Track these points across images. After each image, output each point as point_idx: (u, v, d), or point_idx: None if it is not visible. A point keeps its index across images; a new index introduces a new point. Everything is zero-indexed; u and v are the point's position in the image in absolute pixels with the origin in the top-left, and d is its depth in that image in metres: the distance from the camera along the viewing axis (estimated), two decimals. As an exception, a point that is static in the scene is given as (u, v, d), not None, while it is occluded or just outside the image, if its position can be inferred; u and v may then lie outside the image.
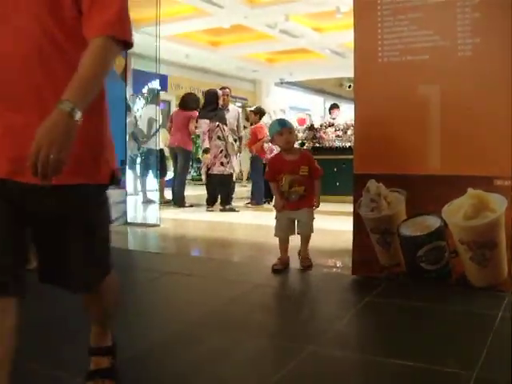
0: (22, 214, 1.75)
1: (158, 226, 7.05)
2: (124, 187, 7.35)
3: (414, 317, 3.26)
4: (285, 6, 11.18)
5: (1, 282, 1.71)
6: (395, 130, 3.98)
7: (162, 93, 14.54)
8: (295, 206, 4.40)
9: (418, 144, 3.89)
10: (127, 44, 1.74)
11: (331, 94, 24.26)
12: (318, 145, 10.07)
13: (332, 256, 4.97)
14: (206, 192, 9.19)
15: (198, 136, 9.84)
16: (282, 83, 20.78)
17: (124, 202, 7.29)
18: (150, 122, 10.00)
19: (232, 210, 8.72)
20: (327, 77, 19.89)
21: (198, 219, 8.07)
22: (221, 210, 8.63)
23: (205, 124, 8.78)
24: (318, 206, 4.48)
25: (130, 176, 8.07)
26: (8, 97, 1.67)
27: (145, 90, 14.19)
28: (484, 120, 3.70)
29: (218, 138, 8.77)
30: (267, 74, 19.17)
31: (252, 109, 10.59)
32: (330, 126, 10.50)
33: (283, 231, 4.46)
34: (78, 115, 1.54)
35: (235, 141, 9.20)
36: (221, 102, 9.06)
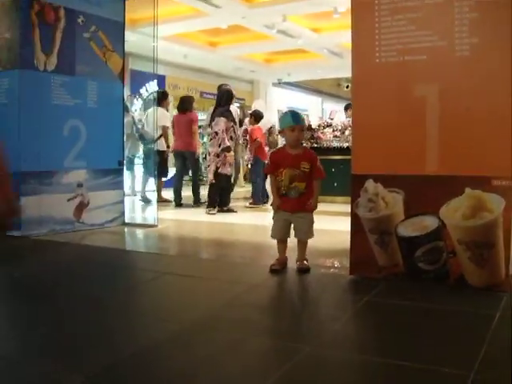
0: None
1: (156, 226, 7.04)
2: (121, 188, 7.34)
3: (412, 317, 3.26)
4: (282, 6, 11.18)
5: None
6: (393, 131, 3.98)
7: (159, 93, 14.56)
8: (293, 207, 4.27)
9: (415, 144, 3.89)
10: None
11: (329, 95, 24.29)
12: (315, 145, 10.05)
13: (330, 256, 4.96)
14: (205, 193, 9.16)
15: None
16: (279, 83, 20.80)
17: (122, 202, 7.28)
18: (160, 119, 10.14)
19: (231, 210, 8.70)
20: (325, 77, 19.92)
21: (196, 220, 8.06)
22: (219, 211, 8.61)
23: (223, 122, 8.58)
24: (315, 209, 4.35)
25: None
26: None
27: (143, 91, 14.23)
28: (482, 120, 3.70)
29: (231, 138, 8.67)
30: (265, 74, 19.18)
31: (250, 111, 10.68)
32: (327, 126, 10.49)
33: (279, 233, 4.39)
34: None
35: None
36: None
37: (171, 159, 10.75)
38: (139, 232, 6.88)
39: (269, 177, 4.60)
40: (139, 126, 10.98)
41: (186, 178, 10.80)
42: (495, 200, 3.62)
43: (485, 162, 3.68)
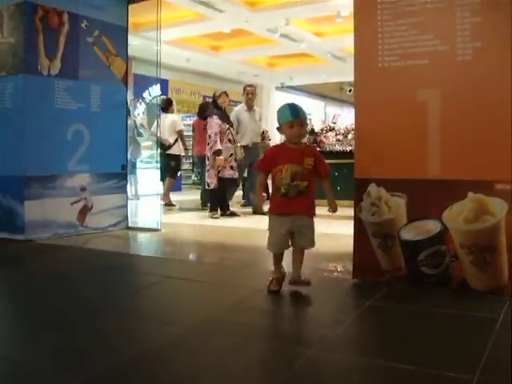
0: None
1: (159, 230, 7.05)
2: (125, 192, 7.35)
3: (414, 321, 3.26)
4: (285, 10, 11.22)
5: None
6: (395, 135, 3.99)
7: (162, 97, 14.65)
8: (292, 208, 3.71)
9: (418, 148, 3.89)
10: None
11: (332, 98, 24.33)
12: (318, 149, 10.06)
13: (333, 260, 4.97)
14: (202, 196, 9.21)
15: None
16: (282, 87, 20.83)
17: (125, 206, 7.29)
18: (172, 127, 10.51)
19: (234, 214, 8.68)
20: (328, 81, 19.95)
21: (199, 224, 8.06)
22: (222, 215, 8.61)
23: (216, 125, 8.42)
24: (335, 210, 3.98)
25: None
26: None
27: (146, 95, 14.28)
28: (484, 124, 3.70)
29: (229, 140, 8.53)
30: (268, 78, 19.23)
31: None
32: (330, 130, 10.51)
33: (279, 244, 3.77)
34: None
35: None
36: (220, 102, 8.66)
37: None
38: (142, 236, 6.89)
39: (259, 175, 3.95)
40: (141, 130, 11.09)
41: (189, 181, 10.89)
42: (498, 204, 3.63)
43: (487, 166, 3.68)
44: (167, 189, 10.57)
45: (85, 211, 6.72)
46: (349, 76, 4.29)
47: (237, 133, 8.99)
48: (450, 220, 3.77)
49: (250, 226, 7.55)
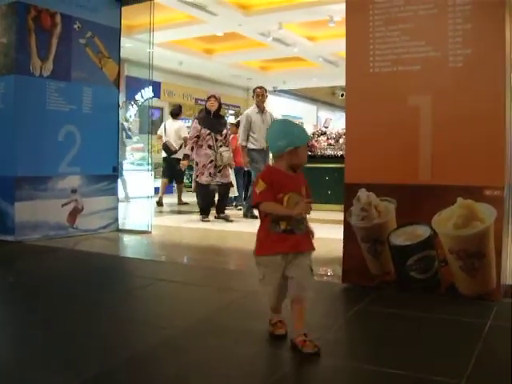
0: None
1: (150, 232, 7.05)
2: (116, 194, 7.34)
3: (403, 326, 3.27)
4: (278, 14, 11.23)
5: None
6: (386, 140, 4.00)
7: (154, 99, 14.65)
8: (301, 245, 2.89)
9: (408, 154, 3.91)
10: None
11: (324, 103, 24.37)
12: (310, 153, 10.08)
13: (322, 264, 4.97)
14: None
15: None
16: (275, 91, 20.82)
17: (116, 208, 7.29)
18: (178, 133, 10.86)
19: (225, 218, 8.64)
20: (320, 85, 19.98)
21: (189, 227, 8.06)
22: (215, 218, 8.59)
23: (194, 129, 8.42)
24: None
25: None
26: None
27: (138, 97, 14.27)
28: (474, 131, 3.72)
29: (209, 146, 8.37)
30: (260, 81, 19.18)
31: (233, 122, 10.74)
32: (322, 134, 10.53)
33: (280, 296, 2.93)
34: None
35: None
36: (208, 105, 8.57)
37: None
38: (133, 238, 6.88)
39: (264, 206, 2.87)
40: (129, 133, 11.20)
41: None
42: (487, 210, 3.65)
43: (477, 172, 3.71)
44: (180, 193, 11.38)
45: (75, 213, 6.71)
46: (341, 80, 4.30)
47: (248, 136, 8.72)
48: (439, 225, 3.79)
49: (242, 230, 7.54)
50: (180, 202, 11.22)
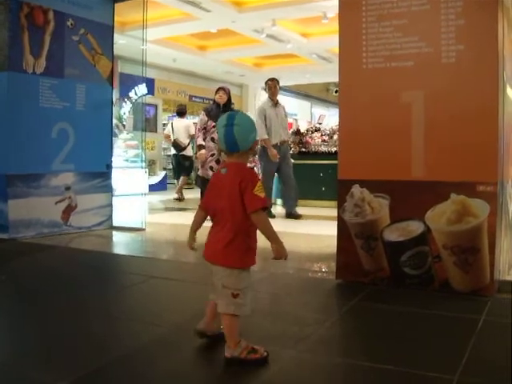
0: None
1: (144, 230, 7.04)
2: (109, 191, 7.33)
3: (397, 321, 3.28)
4: (272, 10, 11.23)
5: None
6: (379, 136, 4.01)
7: (148, 96, 14.62)
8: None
9: (401, 150, 3.92)
10: None
11: (318, 99, 24.38)
12: (304, 149, 10.09)
13: (316, 260, 4.98)
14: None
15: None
16: (269, 88, 20.79)
17: (109, 205, 7.27)
18: (187, 130, 11.27)
19: None
20: (314, 82, 19.99)
21: (183, 223, 8.01)
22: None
23: (201, 121, 8.03)
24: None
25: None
26: None
27: (132, 94, 14.24)
28: (467, 126, 3.73)
29: (212, 139, 7.93)
30: (254, 78, 19.22)
31: None
32: (316, 130, 10.53)
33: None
34: None
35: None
36: (217, 98, 8.04)
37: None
38: (127, 235, 6.87)
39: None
40: (116, 131, 11.29)
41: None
42: (480, 205, 3.66)
43: (470, 168, 3.72)
44: (181, 185, 11.50)
45: (69, 210, 6.70)
46: (335, 77, 4.29)
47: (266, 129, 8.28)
48: (432, 221, 3.80)
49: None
50: (178, 195, 11.27)
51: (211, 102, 8.63)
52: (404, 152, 3.90)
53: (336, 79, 4.32)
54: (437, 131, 3.81)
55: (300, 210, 8.15)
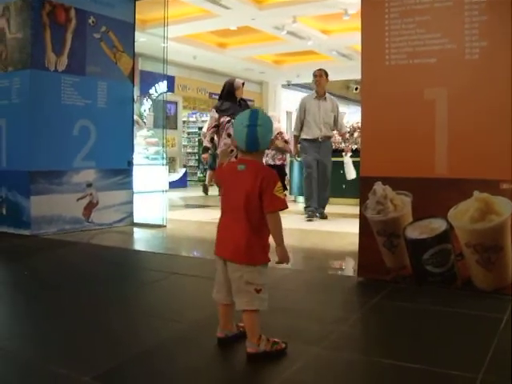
0: None
1: (165, 226, 7.06)
2: (131, 188, 7.36)
3: (419, 319, 3.26)
4: (292, 7, 11.20)
5: None
6: (402, 133, 3.98)
7: (168, 94, 14.68)
8: None
9: (424, 147, 3.89)
10: None
11: (338, 97, 24.26)
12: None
13: (338, 258, 4.97)
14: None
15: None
16: (288, 85, 20.79)
17: (130, 202, 7.31)
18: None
19: None
20: (334, 79, 19.90)
21: (204, 220, 8.06)
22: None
23: (211, 119, 7.04)
24: None
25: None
26: None
27: (152, 91, 14.30)
28: (491, 124, 3.70)
29: (229, 135, 7.18)
30: (274, 75, 19.21)
31: None
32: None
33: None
34: None
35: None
36: (239, 93, 7.14)
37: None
38: (147, 232, 6.90)
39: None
40: (135, 127, 11.43)
41: (195, 178, 11.03)
42: (503, 203, 3.62)
43: (493, 166, 3.68)
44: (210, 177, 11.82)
45: (90, 207, 6.74)
46: (355, 74, 4.29)
47: (301, 124, 8.01)
48: (455, 219, 3.77)
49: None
50: (205, 188, 12.05)
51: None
52: (427, 149, 3.87)
53: (356, 76, 4.33)
54: (460, 128, 3.78)
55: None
